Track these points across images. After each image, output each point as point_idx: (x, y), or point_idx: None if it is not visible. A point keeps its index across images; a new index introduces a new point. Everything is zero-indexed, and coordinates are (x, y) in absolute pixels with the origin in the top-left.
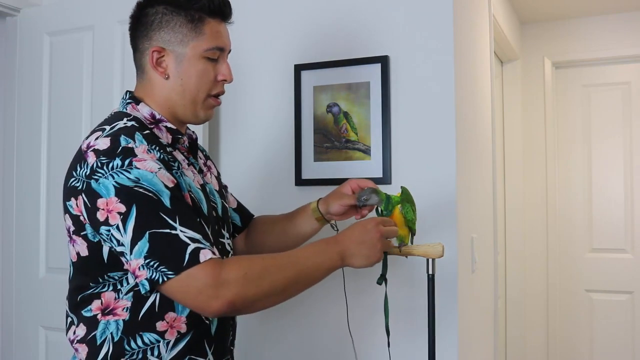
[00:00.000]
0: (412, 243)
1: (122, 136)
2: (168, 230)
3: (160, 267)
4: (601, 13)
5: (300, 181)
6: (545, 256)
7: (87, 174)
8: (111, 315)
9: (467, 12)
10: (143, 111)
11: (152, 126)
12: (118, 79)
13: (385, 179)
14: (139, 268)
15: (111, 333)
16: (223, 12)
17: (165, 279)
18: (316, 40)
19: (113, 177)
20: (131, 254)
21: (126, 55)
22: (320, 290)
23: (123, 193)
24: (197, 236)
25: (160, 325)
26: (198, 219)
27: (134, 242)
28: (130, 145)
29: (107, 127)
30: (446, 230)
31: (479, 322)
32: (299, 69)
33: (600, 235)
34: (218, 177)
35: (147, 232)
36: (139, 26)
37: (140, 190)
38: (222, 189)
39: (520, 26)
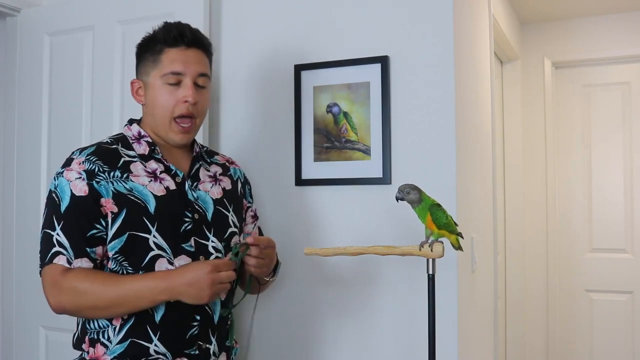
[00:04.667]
0: (458, 245)
1: (77, 150)
2: (50, 231)
3: (39, 260)
4: (601, 13)
5: (300, 181)
6: (545, 256)
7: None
8: None
9: (467, 13)
10: (133, 130)
11: (133, 141)
12: (118, 79)
13: (385, 179)
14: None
15: None
16: (181, 40)
17: (39, 269)
18: (316, 40)
19: (52, 181)
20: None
21: (126, 55)
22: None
23: (48, 196)
24: (66, 243)
25: None
26: (82, 230)
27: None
28: (72, 157)
29: None
30: None
31: (479, 322)
32: (299, 69)
33: (600, 235)
34: (230, 191)
35: (43, 230)
36: None
37: (53, 195)
38: (231, 203)
39: (520, 26)
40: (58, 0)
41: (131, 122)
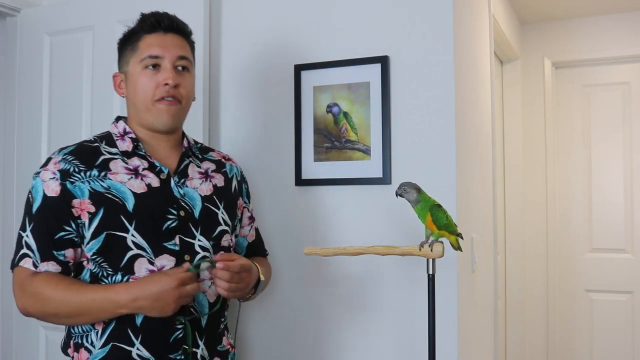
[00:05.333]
0: (459, 246)
1: (58, 149)
2: (21, 232)
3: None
4: (601, 13)
5: (300, 181)
6: (545, 256)
7: None
8: None
9: (467, 12)
10: (119, 127)
11: (117, 138)
12: None
13: (385, 179)
14: None
15: None
16: (158, 26)
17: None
18: (316, 40)
19: (31, 181)
20: None
21: None
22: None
23: (27, 195)
24: (33, 246)
25: None
26: (50, 232)
27: None
28: (51, 156)
29: None
30: None
31: (479, 322)
32: (299, 69)
33: (600, 235)
34: (222, 188)
35: (18, 231)
36: None
37: (29, 195)
38: (222, 200)
39: (520, 26)
40: (58, 0)
41: (118, 119)
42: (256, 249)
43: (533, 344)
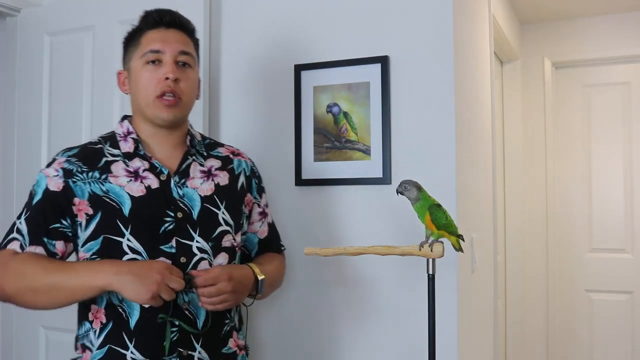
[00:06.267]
0: (459, 247)
1: (62, 150)
2: (16, 220)
3: None
4: (601, 13)
5: (300, 181)
6: (545, 256)
7: None
8: None
9: (467, 13)
10: (123, 127)
11: (121, 138)
12: None
13: (385, 179)
14: None
15: None
16: (160, 22)
17: None
18: (316, 40)
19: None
20: None
21: None
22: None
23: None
24: (24, 230)
25: (90, 316)
26: (45, 221)
27: None
28: (56, 157)
29: None
30: None
31: (479, 322)
32: (299, 69)
33: (600, 235)
34: (225, 187)
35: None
36: None
37: (31, 190)
38: (224, 200)
39: (520, 26)
40: (58, 0)
41: (124, 118)
42: (269, 245)
43: (533, 344)
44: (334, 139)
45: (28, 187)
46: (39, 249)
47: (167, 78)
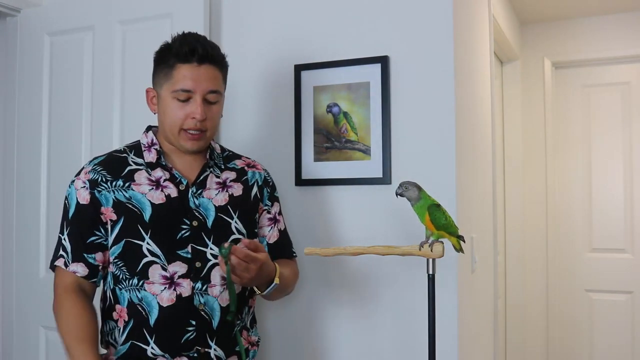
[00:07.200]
0: (460, 248)
1: (91, 159)
2: (60, 235)
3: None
4: (601, 13)
5: (300, 181)
6: (545, 256)
7: None
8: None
9: (467, 13)
10: (148, 137)
11: (145, 149)
12: (118, 79)
13: (385, 179)
14: None
15: None
16: (193, 57)
17: (50, 266)
18: (316, 40)
19: (67, 188)
20: None
21: (126, 55)
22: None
23: (64, 200)
24: (68, 248)
25: (114, 315)
26: (82, 236)
27: None
28: (84, 166)
29: None
30: None
31: (479, 322)
32: (299, 69)
33: (600, 235)
34: (238, 198)
35: (58, 234)
36: None
37: (65, 201)
38: (237, 210)
39: (520, 26)
40: (58, 0)
41: (148, 129)
42: (281, 250)
43: (533, 344)
44: (334, 139)
45: (28, 188)
46: (80, 266)
47: (194, 117)
